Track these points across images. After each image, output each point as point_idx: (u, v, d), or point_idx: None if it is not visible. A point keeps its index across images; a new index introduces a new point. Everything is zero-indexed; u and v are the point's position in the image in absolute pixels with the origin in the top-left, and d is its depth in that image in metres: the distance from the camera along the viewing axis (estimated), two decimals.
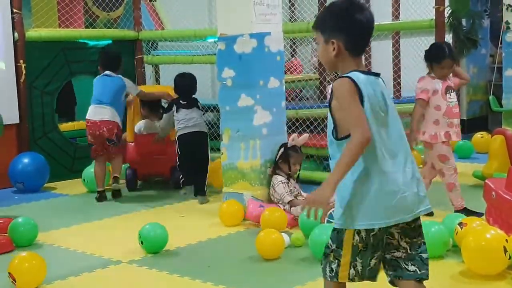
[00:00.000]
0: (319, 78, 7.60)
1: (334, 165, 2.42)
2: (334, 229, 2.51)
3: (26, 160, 6.38)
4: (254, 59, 5.07)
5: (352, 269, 2.46)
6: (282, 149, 5.10)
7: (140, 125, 6.49)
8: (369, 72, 2.48)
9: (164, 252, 4.26)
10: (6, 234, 4.55)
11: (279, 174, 5.02)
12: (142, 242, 4.25)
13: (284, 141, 5.17)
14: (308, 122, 6.65)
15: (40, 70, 6.91)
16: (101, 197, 5.89)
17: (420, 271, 2.50)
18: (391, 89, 7.87)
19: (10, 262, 3.70)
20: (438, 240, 3.88)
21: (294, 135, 5.19)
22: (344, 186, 2.41)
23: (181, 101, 5.98)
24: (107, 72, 6.01)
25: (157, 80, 8.12)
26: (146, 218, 5.07)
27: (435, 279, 3.61)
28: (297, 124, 6.46)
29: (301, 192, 5.05)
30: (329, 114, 2.47)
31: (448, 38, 7.39)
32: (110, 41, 7.52)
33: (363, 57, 2.53)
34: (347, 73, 2.41)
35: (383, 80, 2.53)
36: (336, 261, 2.47)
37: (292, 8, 8.80)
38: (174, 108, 5.96)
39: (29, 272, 3.67)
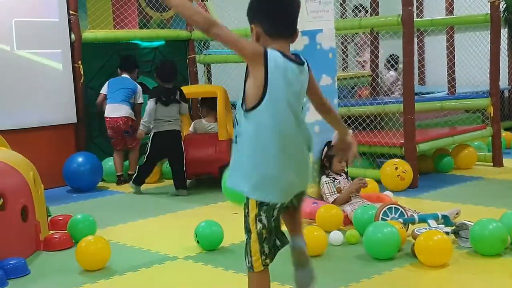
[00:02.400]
0: (372, 75, 7.54)
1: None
2: None
3: (80, 160, 6.51)
4: (306, 56, 5.00)
5: None
6: (326, 148, 5.08)
7: (194, 125, 6.63)
8: (290, 58, 2.56)
9: (219, 249, 4.31)
10: (66, 231, 4.69)
11: (325, 174, 5.01)
12: (198, 241, 4.31)
13: None
14: (360, 120, 6.62)
15: (95, 71, 7.07)
16: (119, 181, 6.72)
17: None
18: (445, 85, 7.75)
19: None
20: (496, 237, 3.81)
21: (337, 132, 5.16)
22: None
23: (162, 96, 6.26)
24: (123, 74, 6.84)
25: (209, 79, 8.20)
26: (200, 215, 5.14)
27: (494, 278, 3.57)
28: (349, 122, 6.43)
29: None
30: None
31: (504, 32, 7.24)
32: (163, 42, 7.64)
33: (289, 43, 2.61)
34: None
35: (308, 68, 2.66)
36: None
37: (344, 4, 8.75)
38: (154, 102, 6.22)
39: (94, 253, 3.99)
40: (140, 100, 6.78)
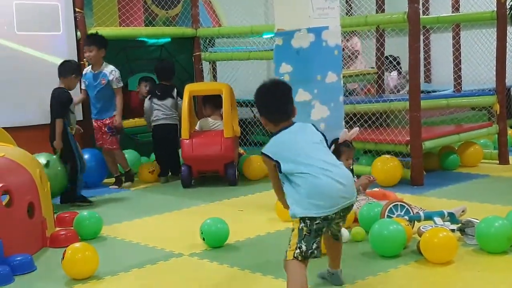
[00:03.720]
0: (377, 72, 7.52)
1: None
2: None
3: (85, 156, 6.52)
4: (311, 53, 5.05)
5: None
6: (333, 146, 5.07)
7: (200, 123, 6.65)
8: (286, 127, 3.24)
9: (225, 246, 4.31)
10: (72, 228, 4.70)
11: None
12: (203, 239, 4.31)
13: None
14: (366, 117, 6.61)
15: None
16: (117, 182, 6.56)
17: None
18: (451, 82, 7.74)
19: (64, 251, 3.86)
20: (501, 235, 3.81)
21: (344, 130, 5.16)
22: None
23: (156, 91, 6.73)
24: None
25: (214, 77, 8.20)
26: (205, 212, 5.15)
27: (499, 275, 3.56)
28: (354, 119, 6.42)
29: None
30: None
31: (510, 30, 7.22)
32: (169, 39, 7.65)
33: (290, 120, 3.27)
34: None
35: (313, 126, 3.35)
36: None
37: (349, 1, 8.74)
38: (148, 99, 6.73)
39: (81, 262, 3.81)
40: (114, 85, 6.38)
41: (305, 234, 3.04)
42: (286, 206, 3.25)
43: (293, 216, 3.10)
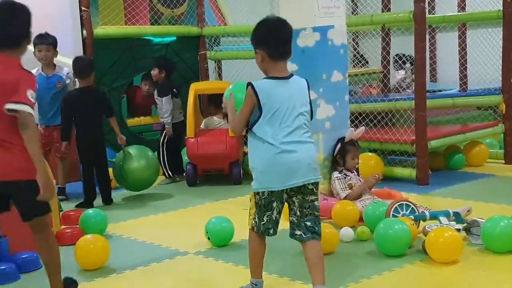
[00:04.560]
0: (383, 71, 7.51)
1: None
2: None
3: None
4: (317, 52, 5.06)
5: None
6: (339, 145, 5.07)
7: (205, 122, 6.66)
8: (278, 77, 3.14)
9: (230, 244, 4.32)
10: (77, 226, 4.72)
11: (337, 170, 5.01)
12: (209, 238, 4.32)
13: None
14: (371, 116, 6.60)
15: (107, 67, 7.09)
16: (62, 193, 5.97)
17: (304, 235, 3.17)
18: (457, 82, 7.73)
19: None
20: (507, 234, 3.81)
21: (351, 129, 5.16)
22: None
23: (174, 90, 6.60)
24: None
25: (220, 76, 8.21)
26: (210, 211, 5.16)
27: (505, 275, 3.56)
28: (360, 118, 6.41)
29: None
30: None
31: None
32: (174, 38, 7.66)
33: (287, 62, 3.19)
34: (268, 76, 3.18)
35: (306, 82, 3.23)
36: None
37: (355, 0, 8.73)
38: (170, 97, 6.51)
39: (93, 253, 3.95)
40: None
41: (257, 208, 3.19)
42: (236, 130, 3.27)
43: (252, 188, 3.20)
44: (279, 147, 3.09)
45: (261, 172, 3.13)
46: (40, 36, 5.72)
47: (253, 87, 3.11)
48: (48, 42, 5.79)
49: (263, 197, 3.16)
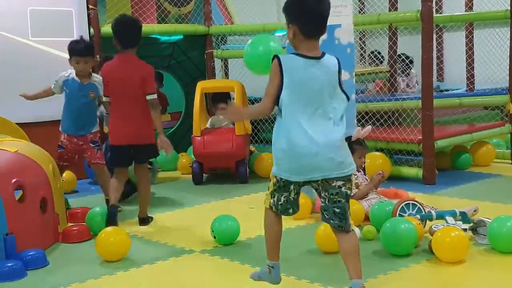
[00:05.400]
0: (390, 71, 7.50)
1: None
2: None
3: None
4: (324, 51, 5.05)
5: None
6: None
7: (211, 120, 6.67)
8: (307, 56, 2.92)
9: (235, 243, 4.32)
10: (84, 223, 4.73)
11: None
12: (214, 237, 4.32)
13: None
14: (378, 115, 6.59)
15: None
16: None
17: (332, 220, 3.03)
18: (464, 81, 7.71)
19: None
20: None
21: (358, 128, 5.16)
22: None
23: None
24: None
25: (226, 74, 8.22)
26: (216, 209, 5.16)
27: (511, 274, 3.55)
28: (366, 117, 6.41)
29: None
30: None
31: None
32: (181, 36, 7.66)
33: (319, 41, 2.98)
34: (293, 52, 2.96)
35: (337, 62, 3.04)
36: None
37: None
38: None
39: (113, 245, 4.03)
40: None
41: (275, 187, 3.08)
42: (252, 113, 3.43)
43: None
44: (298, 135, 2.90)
45: (279, 158, 2.99)
46: (77, 43, 5.22)
47: (279, 59, 2.90)
48: (85, 54, 5.18)
49: (281, 180, 3.05)
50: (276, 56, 2.91)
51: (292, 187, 3.05)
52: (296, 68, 2.89)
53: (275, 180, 3.08)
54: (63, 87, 5.28)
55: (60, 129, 5.35)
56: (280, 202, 3.09)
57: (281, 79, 2.88)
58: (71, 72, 5.26)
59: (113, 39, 4.81)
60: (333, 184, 2.99)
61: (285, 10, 2.98)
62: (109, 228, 4.24)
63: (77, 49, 5.15)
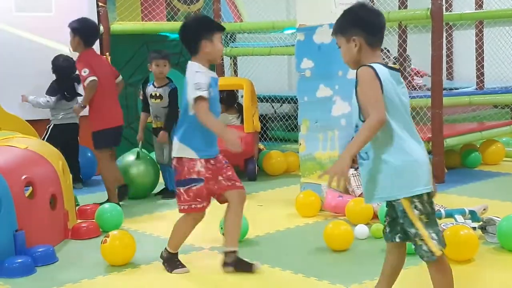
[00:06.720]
0: (399, 69, 7.47)
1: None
2: None
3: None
4: (333, 49, 4.93)
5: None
6: None
7: (220, 118, 6.67)
8: (388, 66, 2.74)
9: (244, 240, 4.32)
10: (93, 220, 4.75)
11: (352, 167, 4.99)
12: (223, 234, 4.32)
13: None
14: None
15: (124, 63, 7.13)
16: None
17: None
18: (474, 80, 7.70)
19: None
20: None
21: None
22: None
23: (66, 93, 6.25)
24: None
25: (235, 72, 8.22)
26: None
27: None
28: None
29: None
30: (354, 99, 2.74)
31: None
32: None
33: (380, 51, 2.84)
34: (369, 63, 2.71)
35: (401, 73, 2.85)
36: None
37: None
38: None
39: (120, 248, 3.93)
40: None
41: (429, 217, 2.81)
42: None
43: None
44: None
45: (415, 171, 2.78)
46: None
47: (374, 69, 2.66)
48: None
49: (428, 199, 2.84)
50: (366, 64, 2.71)
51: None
52: (387, 78, 2.70)
53: (421, 205, 2.74)
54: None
55: None
56: (442, 234, 2.84)
57: (380, 86, 2.66)
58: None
59: None
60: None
61: (342, 25, 2.84)
62: (115, 232, 4.13)
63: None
